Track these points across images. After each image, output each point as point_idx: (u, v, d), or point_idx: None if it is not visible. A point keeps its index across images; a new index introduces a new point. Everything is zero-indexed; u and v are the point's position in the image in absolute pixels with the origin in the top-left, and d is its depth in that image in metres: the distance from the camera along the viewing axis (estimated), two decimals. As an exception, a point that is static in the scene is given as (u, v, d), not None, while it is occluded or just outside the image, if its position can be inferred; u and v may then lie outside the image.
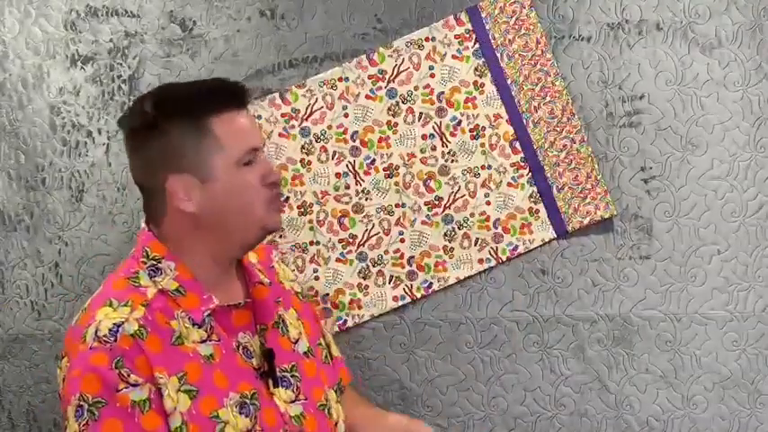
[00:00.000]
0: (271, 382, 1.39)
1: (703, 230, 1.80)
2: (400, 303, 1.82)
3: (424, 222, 1.81)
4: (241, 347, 1.39)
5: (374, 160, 1.80)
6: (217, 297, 1.38)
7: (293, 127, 1.81)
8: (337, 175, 1.80)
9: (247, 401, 1.34)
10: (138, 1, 1.81)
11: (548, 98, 1.79)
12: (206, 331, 1.36)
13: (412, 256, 1.81)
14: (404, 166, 1.81)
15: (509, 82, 1.80)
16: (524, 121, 1.80)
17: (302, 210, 1.81)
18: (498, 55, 1.79)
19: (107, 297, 1.33)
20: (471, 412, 1.85)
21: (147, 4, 1.81)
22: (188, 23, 1.81)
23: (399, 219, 1.81)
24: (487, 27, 1.79)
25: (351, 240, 1.81)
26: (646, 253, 1.80)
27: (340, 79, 1.79)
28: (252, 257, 1.53)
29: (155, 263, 1.36)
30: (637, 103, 1.79)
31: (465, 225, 1.81)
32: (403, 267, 1.81)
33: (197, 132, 1.34)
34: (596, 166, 1.80)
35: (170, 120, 1.34)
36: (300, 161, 1.81)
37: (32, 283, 1.83)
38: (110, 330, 1.27)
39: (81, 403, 1.25)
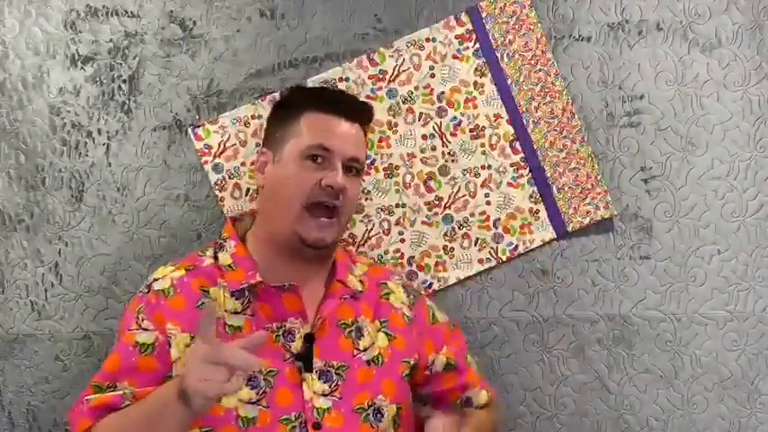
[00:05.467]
0: (303, 366, 1.46)
1: (703, 230, 1.80)
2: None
3: (424, 222, 1.81)
4: (283, 330, 1.47)
5: (374, 160, 1.80)
6: (275, 280, 1.48)
7: (293, 127, 1.80)
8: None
9: (260, 376, 1.43)
10: (138, 1, 1.81)
11: (548, 98, 1.79)
12: (242, 304, 1.48)
13: (412, 256, 1.81)
14: (404, 166, 1.81)
15: (509, 82, 1.80)
16: (524, 121, 1.80)
17: (302, 210, 1.81)
18: (498, 55, 1.79)
19: (176, 260, 1.56)
20: (471, 412, 1.85)
21: (147, 4, 1.81)
22: (188, 23, 1.81)
23: (399, 219, 1.81)
24: (487, 27, 1.79)
25: (351, 240, 1.80)
26: (646, 253, 1.80)
27: (340, 79, 1.79)
28: (360, 269, 1.62)
29: (222, 242, 1.55)
30: (637, 103, 1.79)
31: (465, 225, 1.81)
32: (403, 267, 1.81)
33: (291, 119, 1.53)
34: (596, 166, 1.80)
35: (283, 106, 1.59)
36: (300, 161, 1.81)
37: (32, 283, 1.83)
38: (149, 284, 1.50)
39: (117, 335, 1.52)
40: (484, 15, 1.79)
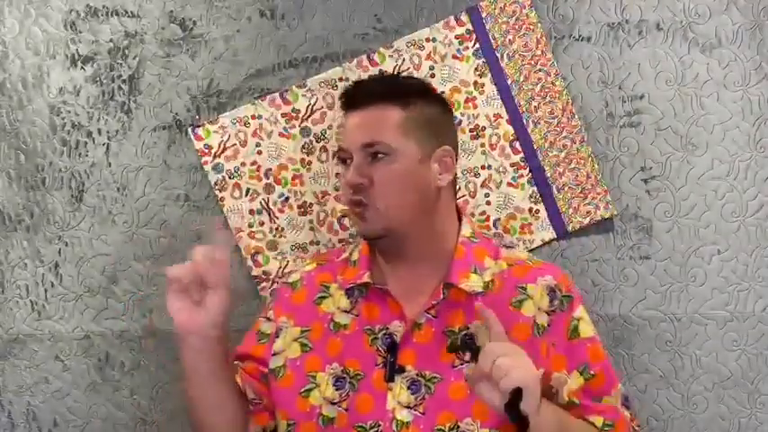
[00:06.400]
0: (387, 373, 1.39)
1: (703, 230, 1.80)
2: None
3: (424, 222, 1.81)
4: (384, 333, 1.41)
5: (374, 160, 1.80)
6: (390, 283, 1.45)
7: (293, 127, 1.81)
8: (338, 174, 1.80)
9: (346, 378, 1.41)
10: (138, 1, 1.81)
11: (548, 98, 1.79)
12: (351, 303, 1.47)
13: (412, 256, 1.81)
14: (404, 166, 1.80)
15: (509, 82, 1.80)
16: (524, 121, 1.80)
17: (302, 210, 1.81)
18: (498, 55, 1.79)
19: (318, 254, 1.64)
20: (471, 412, 1.85)
21: (147, 4, 1.81)
22: (188, 23, 1.81)
23: (399, 219, 1.81)
24: (487, 27, 1.79)
25: (351, 241, 1.80)
26: (646, 253, 1.80)
27: (340, 79, 1.79)
28: (497, 266, 1.46)
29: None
30: (637, 103, 1.79)
31: (465, 225, 1.81)
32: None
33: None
34: (596, 166, 1.80)
35: None
36: (300, 161, 1.81)
37: (32, 283, 1.83)
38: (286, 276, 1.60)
39: None
40: (484, 15, 1.79)
